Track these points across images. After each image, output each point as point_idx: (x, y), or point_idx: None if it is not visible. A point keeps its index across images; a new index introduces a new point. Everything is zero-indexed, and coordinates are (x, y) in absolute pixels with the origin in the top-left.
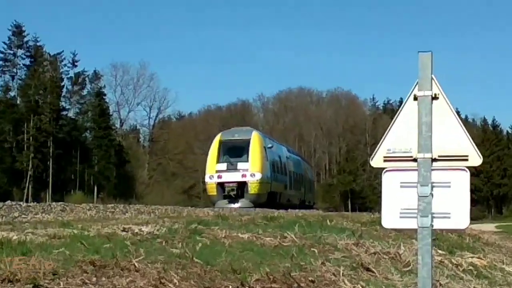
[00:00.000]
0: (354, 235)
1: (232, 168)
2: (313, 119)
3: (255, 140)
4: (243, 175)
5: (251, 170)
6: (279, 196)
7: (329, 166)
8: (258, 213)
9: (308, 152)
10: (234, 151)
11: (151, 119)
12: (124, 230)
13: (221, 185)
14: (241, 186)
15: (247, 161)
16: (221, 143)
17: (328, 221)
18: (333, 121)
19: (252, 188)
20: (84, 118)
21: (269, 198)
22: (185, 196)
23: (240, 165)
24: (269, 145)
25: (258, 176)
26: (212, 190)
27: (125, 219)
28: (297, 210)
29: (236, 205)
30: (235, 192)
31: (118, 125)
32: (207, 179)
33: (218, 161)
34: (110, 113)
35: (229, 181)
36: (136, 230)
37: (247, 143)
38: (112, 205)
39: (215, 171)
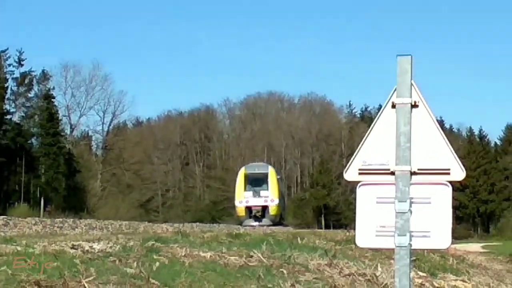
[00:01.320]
0: (327, 255)
1: (256, 195)
2: (283, 127)
3: (272, 173)
4: (265, 201)
5: (271, 197)
6: (283, 215)
7: (301, 179)
8: (222, 230)
9: (278, 164)
10: (257, 182)
11: (105, 125)
12: (73, 247)
13: (248, 208)
14: (264, 209)
15: (267, 189)
16: (246, 175)
17: (299, 239)
18: (305, 129)
19: (272, 210)
20: (30, 123)
21: (280, 218)
22: (141, 210)
23: (262, 193)
24: (278, 176)
25: (276, 201)
26: (241, 212)
27: (75, 235)
28: (265, 227)
29: (261, 223)
30: (260, 213)
31: (68, 131)
32: (237, 203)
33: (245, 190)
34: (60, 118)
35: (255, 205)
36: (87, 248)
37: (266, 176)
38: (61, 219)
39: (243, 197)
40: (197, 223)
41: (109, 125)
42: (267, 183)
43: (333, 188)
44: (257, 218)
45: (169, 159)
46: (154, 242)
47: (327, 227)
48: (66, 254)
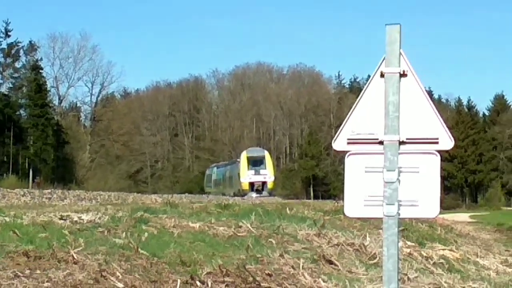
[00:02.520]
0: (316, 225)
1: (257, 173)
2: (272, 98)
3: (268, 156)
4: (264, 177)
5: (268, 175)
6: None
7: (289, 150)
8: (211, 201)
9: (267, 135)
10: (257, 163)
11: (93, 96)
12: (62, 218)
13: (251, 184)
14: (263, 184)
15: (265, 169)
16: (248, 158)
17: (287, 209)
18: (294, 100)
19: (269, 185)
20: (19, 95)
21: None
22: (130, 181)
23: (262, 171)
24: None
25: (272, 178)
26: (246, 186)
27: (63, 206)
28: (254, 198)
29: (261, 195)
30: (260, 187)
31: (56, 103)
32: (242, 180)
33: (248, 169)
34: (48, 89)
35: (256, 181)
36: (75, 218)
37: (264, 158)
38: (49, 190)
39: (247, 175)
40: (186, 194)
41: (98, 96)
42: (264, 164)
43: (322, 159)
44: (258, 191)
45: (158, 130)
46: (143, 213)
47: (316, 197)
48: (55, 225)
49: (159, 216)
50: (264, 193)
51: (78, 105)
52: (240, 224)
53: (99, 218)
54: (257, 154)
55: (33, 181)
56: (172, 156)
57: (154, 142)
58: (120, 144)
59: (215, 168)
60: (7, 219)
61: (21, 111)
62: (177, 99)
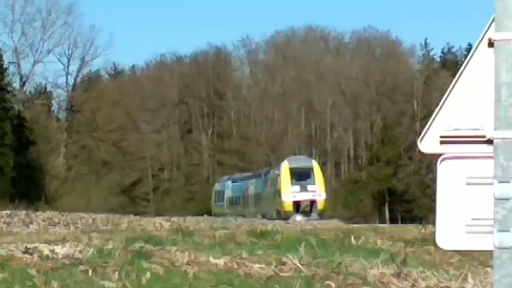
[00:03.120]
0: (394, 261)
1: (303, 189)
2: (329, 78)
3: (317, 167)
4: (313, 195)
5: (318, 191)
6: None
7: (354, 153)
8: (241, 226)
9: (321, 131)
10: (303, 176)
11: (70, 76)
12: (27, 251)
13: (296, 204)
14: (311, 203)
15: (314, 184)
16: (291, 170)
17: (352, 238)
18: (361, 81)
19: (320, 205)
20: None
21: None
22: (124, 198)
23: (310, 187)
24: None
25: (324, 196)
26: (289, 207)
27: (29, 235)
28: (303, 222)
29: (310, 218)
30: (308, 209)
31: (17, 85)
32: (284, 199)
33: (292, 184)
34: (4, 66)
35: (303, 200)
36: (46, 252)
37: (311, 170)
38: (8, 212)
39: (291, 192)
40: (205, 216)
41: (76, 76)
42: (313, 177)
43: (402, 165)
44: (305, 213)
45: (164, 125)
46: (143, 244)
47: (393, 221)
48: (17, 261)
49: (167, 248)
50: (313, 215)
51: (48, 89)
52: (284, 259)
53: (80, 252)
54: (303, 165)
55: None
56: (184, 161)
57: (158, 141)
58: (109, 145)
59: (229, 182)
60: None
61: None
62: (191, 79)
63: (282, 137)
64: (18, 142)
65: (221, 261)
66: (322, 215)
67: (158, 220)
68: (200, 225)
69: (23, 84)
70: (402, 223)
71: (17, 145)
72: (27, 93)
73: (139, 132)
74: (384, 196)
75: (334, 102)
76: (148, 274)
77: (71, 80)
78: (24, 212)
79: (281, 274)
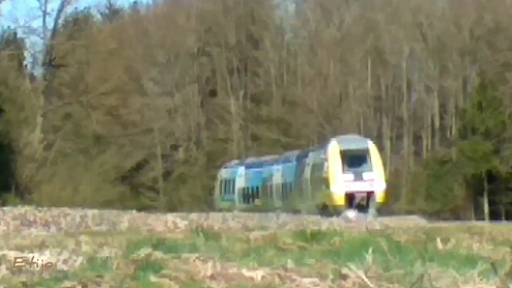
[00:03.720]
0: (496, 273)
1: (358, 178)
2: (404, 17)
3: (374, 150)
4: (371, 185)
5: (377, 180)
6: None
7: (440, 122)
8: (286, 224)
9: (394, 90)
10: (357, 161)
11: (49, 17)
12: None
13: (350, 195)
14: (368, 195)
15: (371, 170)
16: (342, 152)
17: (438, 241)
18: (449, 20)
19: (380, 198)
20: None
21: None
22: (124, 187)
23: (366, 175)
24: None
25: (384, 185)
26: (340, 200)
27: None
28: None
29: (368, 214)
30: (365, 202)
31: None
32: (334, 189)
33: (343, 171)
34: None
35: (358, 191)
36: (20, 261)
37: (367, 153)
38: None
39: (342, 181)
40: (235, 212)
41: (57, 17)
42: (370, 162)
43: (506, 139)
44: (361, 208)
45: (177, 85)
46: (150, 251)
47: (494, 216)
48: None
49: (183, 256)
50: (371, 210)
51: (19, 35)
52: (345, 271)
53: (65, 262)
54: (357, 147)
55: None
56: (206, 136)
57: (171, 107)
58: (104, 114)
59: (242, 168)
60: None
61: None
62: (215, 20)
63: (341, 100)
64: None
65: (258, 274)
66: (381, 210)
67: (171, 217)
68: (228, 223)
69: None
70: (507, 219)
71: None
72: None
73: (144, 95)
74: (482, 182)
75: (412, 51)
76: None
77: (50, 23)
78: None
79: None
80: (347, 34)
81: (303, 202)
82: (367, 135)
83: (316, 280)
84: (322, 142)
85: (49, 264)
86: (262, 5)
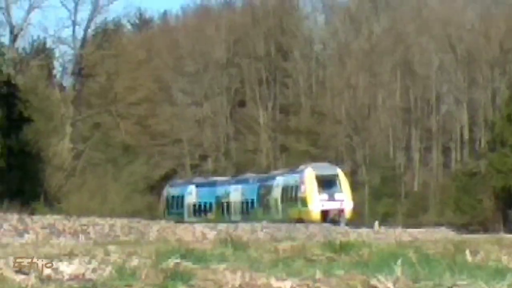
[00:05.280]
0: None
1: (331, 198)
2: (434, 29)
3: (342, 175)
4: (341, 204)
5: (346, 200)
6: None
7: (469, 133)
8: (314, 235)
9: (423, 102)
10: (329, 184)
11: (79, 27)
12: (20, 270)
13: (325, 213)
14: (339, 212)
15: (341, 192)
16: (317, 177)
17: (467, 253)
18: (479, 33)
19: (348, 214)
20: None
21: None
22: (153, 197)
23: (337, 196)
24: None
25: (351, 204)
26: (317, 217)
27: (23, 247)
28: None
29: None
30: (337, 217)
31: (6, 40)
32: (311, 207)
33: (319, 193)
34: None
35: (332, 209)
36: (48, 271)
37: (337, 177)
38: None
39: (318, 201)
40: (264, 223)
41: (87, 27)
42: (339, 185)
43: None
44: (334, 222)
45: (206, 96)
46: (179, 261)
47: None
48: (7, 284)
49: (212, 266)
50: (342, 225)
51: (48, 45)
52: (374, 282)
53: (94, 271)
54: (329, 172)
55: None
56: (235, 146)
57: (200, 117)
58: (133, 123)
59: (192, 186)
60: None
61: None
62: (244, 31)
63: (370, 112)
64: (8, 119)
65: (286, 285)
66: (348, 224)
67: (199, 227)
68: (257, 234)
69: (14, 38)
70: None
71: (5, 124)
72: (20, 51)
73: (173, 105)
74: (511, 195)
75: (442, 63)
76: None
77: (79, 33)
78: (16, 216)
79: None
80: (376, 45)
81: (268, 217)
82: (396, 146)
83: None
84: (289, 168)
85: (78, 273)
86: (291, 16)
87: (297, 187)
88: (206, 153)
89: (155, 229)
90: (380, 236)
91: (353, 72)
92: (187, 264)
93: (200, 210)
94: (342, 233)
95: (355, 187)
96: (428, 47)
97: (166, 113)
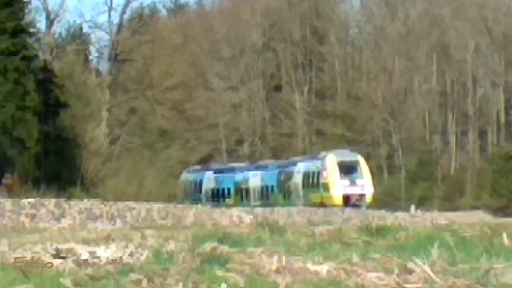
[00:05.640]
0: None
1: (353, 183)
2: (470, 12)
3: (363, 161)
4: (362, 189)
5: (367, 185)
6: None
7: (506, 117)
8: (350, 219)
9: (459, 85)
10: (350, 170)
11: (115, 13)
12: (58, 254)
13: (347, 197)
14: (360, 197)
15: (362, 177)
16: (339, 163)
17: (505, 236)
18: None
19: (369, 199)
20: None
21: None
22: None
23: (358, 181)
24: None
25: (372, 190)
26: (338, 201)
27: (60, 231)
28: (436, 214)
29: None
30: (358, 202)
31: (43, 26)
32: (333, 192)
33: (341, 178)
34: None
35: (353, 194)
36: (85, 256)
37: (358, 164)
38: (32, 200)
39: (340, 186)
40: (299, 207)
41: (123, 12)
42: (360, 171)
43: None
44: (356, 206)
45: (242, 80)
46: (216, 245)
47: None
48: (46, 268)
49: (248, 250)
50: (363, 209)
51: (84, 30)
52: (410, 265)
53: (131, 256)
54: (350, 159)
55: None
56: (271, 130)
57: (236, 102)
58: (169, 108)
59: (210, 172)
60: None
61: None
62: (280, 16)
63: (406, 95)
64: (44, 104)
65: (323, 268)
66: (368, 208)
67: (236, 212)
68: (293, 218)
69: (50, 24)
70: None
71: (42, 109)
72: (56, 36)
73: (209, 89)
74: None
75: (478, 46)
76: (223, 286)
77: (115, 18)
78: (53, 201)
79: (406, 285)
80: (412, 29)
81: (288, 202)
82: (432, 130)
83: (381, 274)
84: (310, 154)
85: (115, 258)
86: (327, 0)
87: (319, 173)
88: (242, 138)
89: (191, 213)
90: (417, 219)
91: (389, 56)
92: (224, 248)
93: (218, 195)
94: (379, 216)
95: (391, 171)
96: (464, 30)
97: (202, 98)
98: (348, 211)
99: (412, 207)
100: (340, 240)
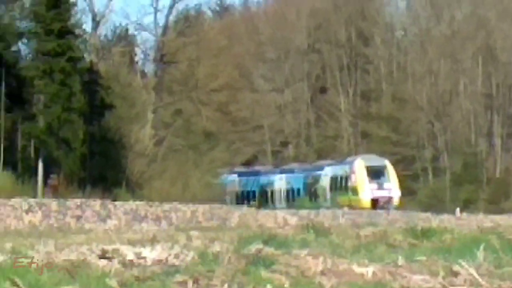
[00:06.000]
0: None
1: (380, 187)
2: None
3: (390, 166)
4: (389, 192)
5: (394, 189)
6: None
7: None
8: (395, 221)
9: (505, 88)
10: (378, 174)
11: (160, 14)
12: (104, 255)
13: (375, 201)
14: (388, 200)
15: (390, 181)
16: (367, 168)
17: None
18: None
19: (396, 202)
20: (15, 12)
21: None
22: None
23: (386, 185)
24: None
25: (399, 193)
26: (367, 205)
27: (106, 232)
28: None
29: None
30: (386, 205)
31: (88, 28)
32: (362, 196)
33: (369, 182)
34: (72, 1)
35: (381, 197)
36: (130, 256)
37: (385, 168)
38: (78, 201)
39: (369, 190)
40: (345, 210)
41: (168, 13)
42: (387, 175)
43: None
44: (384, 209)
45: (287, 82)
46: (261, 247)
47: None
48: (91, 270)
49: (294, 252)
50: (390, 211)
51: (130, 32)
52: (456, 268)
53: (177, 257)
54: (378, 164)
55: (45, 183)
56: (316, 132)
57: (280, 104)
58: (214, 110)
59: (234, 176)
60: (1, 257)
61: (20, 45)
62: (325, 18)
63: (451, 98)
64: (90, 105)
65: (368, 270)
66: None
67: (281, 213)
68: (338, 220)
69: (96, 25)
70: None
71: (88, 110)
72: (102, 37)
73: (254, 91)
74: None
75: None
76: (269, 287)
77: (161, 20)
78: (99, 202)
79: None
80: (457, 31)
81: (315, 204)
82: (478, 132)
83: (427, 277)
84: (339, 159)
85: (161, 259)
86: (372, 2)
87: (347, 177)
88: (287, 140)
89: (236, 215)
90: (462, 222)
91: (434, 58)
92: (269, 250)
93: (242, 198)
94: (424, 219)
95: (436, 173)
96: (510, 32)
97: (247, 99)
98: (394, 213)
99: (457, 209)
100: (385, 242)
